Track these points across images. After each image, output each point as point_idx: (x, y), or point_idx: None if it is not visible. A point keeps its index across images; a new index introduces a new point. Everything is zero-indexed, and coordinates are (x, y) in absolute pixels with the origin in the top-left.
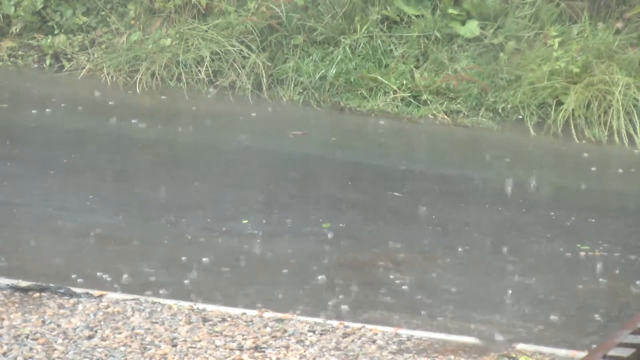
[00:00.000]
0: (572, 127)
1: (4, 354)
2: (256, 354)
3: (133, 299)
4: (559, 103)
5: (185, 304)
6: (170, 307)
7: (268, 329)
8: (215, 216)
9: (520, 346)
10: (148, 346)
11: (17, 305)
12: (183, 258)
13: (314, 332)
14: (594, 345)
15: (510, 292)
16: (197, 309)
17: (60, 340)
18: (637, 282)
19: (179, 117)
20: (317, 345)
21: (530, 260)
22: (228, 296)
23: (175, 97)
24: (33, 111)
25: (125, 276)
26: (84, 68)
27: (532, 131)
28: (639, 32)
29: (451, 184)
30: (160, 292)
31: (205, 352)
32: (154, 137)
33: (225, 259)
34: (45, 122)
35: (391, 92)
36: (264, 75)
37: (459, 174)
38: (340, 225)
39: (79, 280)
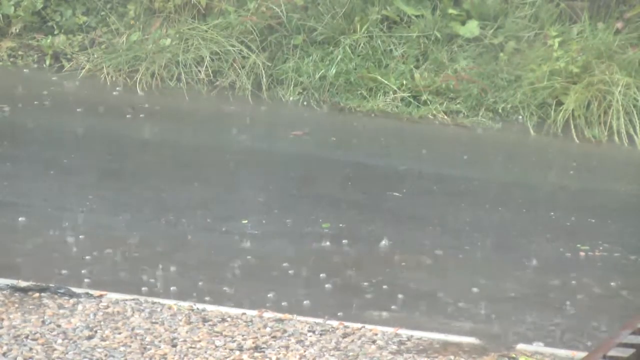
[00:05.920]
0: (572, 127)
1: (4, 354)
2: (256, 354)
3: (133, 299)
4: (559, 103)
5: (185, 304)
6: (170, 307)
7: (268, 329)
8: (215, 216)
9: (520, 346)
10: (148, 346)
11: (17, 305)
12: (183, 258)
13: (313, 332)
14: (594, 345)
15: (510, 292)
16: (197, 309)
17: (60, 341)
18: (637, 282)
19: (179, 117)
20: (317, 346)
21: (530, 260)
22: (228, 296)
23: (175, 97)
24: (33, 111)
25: (125, 276)
26: (84, 68)
27: (532, 131)
28: (639, 32)
29: (451, 184)
30: (160, 292)
31: (205, 352)
32: (154, 137)
33: (225, 259)
34: (45, 122)
35: (391, 92)
36: (264, 75)
37: (458, 174)
38: (340, 225)
39: (78, 280)
